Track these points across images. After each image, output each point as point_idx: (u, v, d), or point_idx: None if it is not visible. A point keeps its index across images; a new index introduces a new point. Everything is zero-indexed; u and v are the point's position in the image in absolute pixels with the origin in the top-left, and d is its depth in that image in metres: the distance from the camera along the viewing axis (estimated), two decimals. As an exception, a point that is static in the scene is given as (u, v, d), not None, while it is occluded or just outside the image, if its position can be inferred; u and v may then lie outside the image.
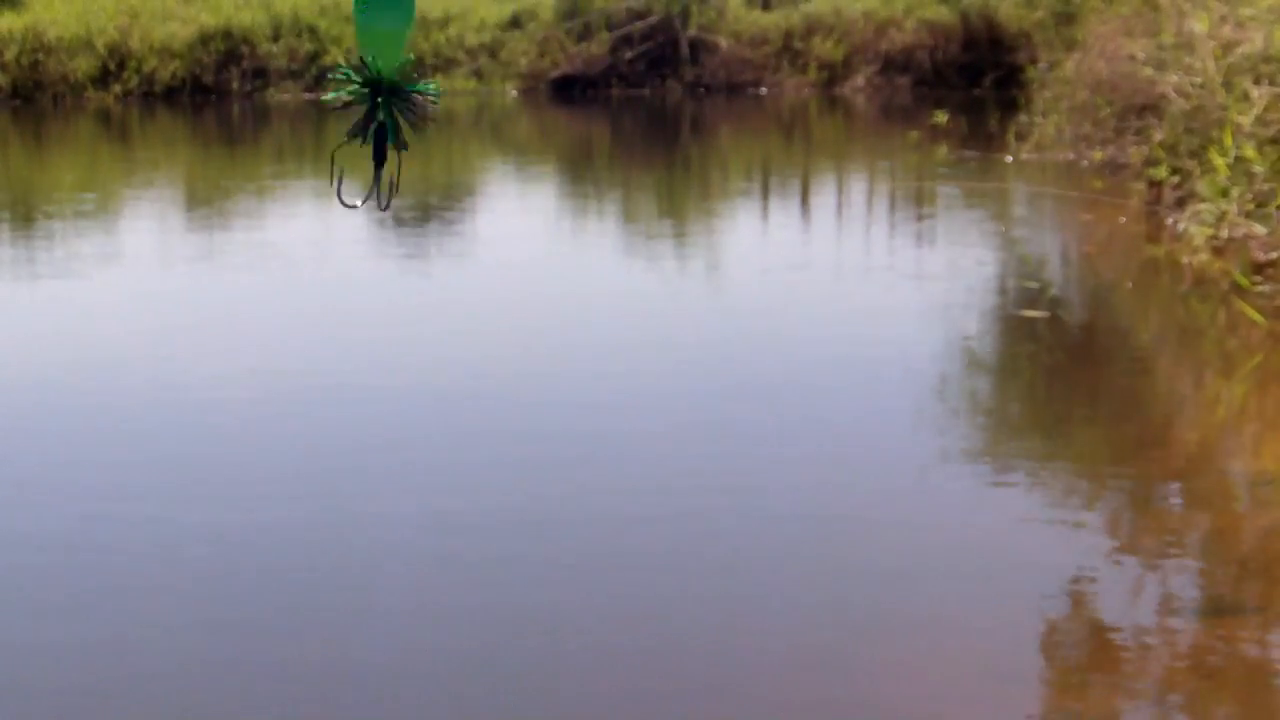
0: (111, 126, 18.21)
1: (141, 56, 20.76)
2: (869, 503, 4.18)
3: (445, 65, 21.11)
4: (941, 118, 13.58)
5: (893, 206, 10.30)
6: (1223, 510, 4.13)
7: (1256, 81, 7.58)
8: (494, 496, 4.25)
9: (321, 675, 3.20)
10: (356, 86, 1.40)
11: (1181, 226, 7.86)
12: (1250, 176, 7.29)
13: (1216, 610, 3.44)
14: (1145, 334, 6.36)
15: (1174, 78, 8.61)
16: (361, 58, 1.39)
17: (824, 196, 11.00)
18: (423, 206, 10.90)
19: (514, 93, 20.65)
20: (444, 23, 21.29)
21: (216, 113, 19.49)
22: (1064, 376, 5.67)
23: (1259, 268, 6.82)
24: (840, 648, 3.27)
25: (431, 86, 1.42)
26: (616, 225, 9.73)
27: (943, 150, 12.65)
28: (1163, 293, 7.01)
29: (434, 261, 8.27)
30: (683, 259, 8.15)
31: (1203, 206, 7.66)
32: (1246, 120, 7.39)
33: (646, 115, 18.53)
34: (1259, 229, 7.16)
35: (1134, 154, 9.92)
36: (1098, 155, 10.83)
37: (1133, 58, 9.96)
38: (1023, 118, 12.65)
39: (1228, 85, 7.82)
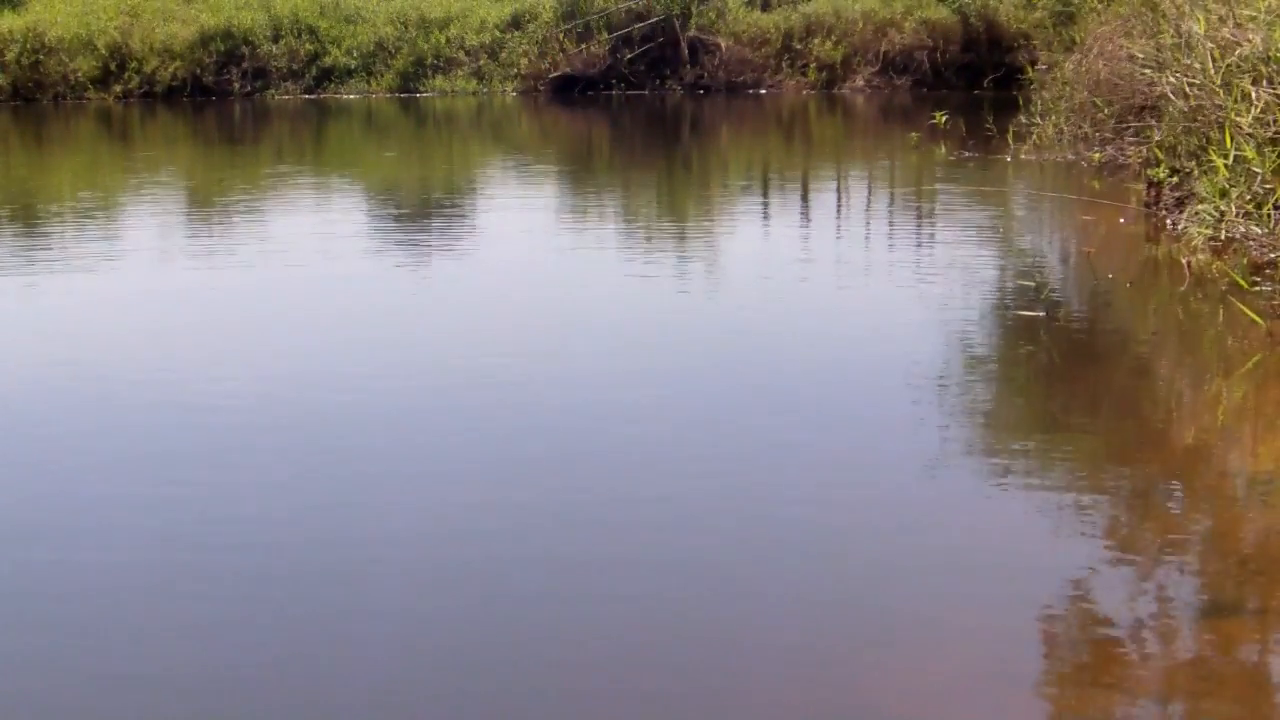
0: (112, 126, 18.20)
1: (142, 57, 20.76)
2: (868, 503, 4.18)
3: (445, 65, 21.11)
4: (941, 118, 13.58)
5: (892, 207, 10.30)
6: (1223, 510, 4.13)
7: (1255, 82, 7.58)
8: (494, 496, 4.25)
9: (321, 675, 3.21)
10: None
11: (1181, 227, 7.87)
12: (1249, 177, 7.30)
13: (1216, 610, 3.45)
14: (1144, 334, 6.37)
15: (1173, 78, 8.62)
16: None
17: (824, 197, 11.01)
18: (423, 206, 10.91)
19: (514, 93, 20.65)
20: (444, 23, 21.30)
21: (217, 113, 19.49)
22: (1063, 377, 5.67)
23: (1258, 268, 6.83)
24: (840, 648, 3.28)
25: None
26: (615, 226, 9.73)
27: (942, 151, 12.66)
28: (1162, 293, 7.02)
29: (434, 261, 8.27)
30: (681, 260, 8.16)
31: (1202, 207, 7.67)
32: (1245, 121, 7.39)
33: (646, 116, 18.53)
34: (1258, 229, 7.17)
35: (1133, 154, 9.93)
36: (1097, 156, 10.84)
37: (1132, 58, 9.97)
38: (1022, 118, 12.66)
39: (1227, 86, 7.82)
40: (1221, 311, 6.31)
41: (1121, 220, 8.66)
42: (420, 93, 20.86)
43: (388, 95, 20.75)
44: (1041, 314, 6.33)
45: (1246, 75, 7.68)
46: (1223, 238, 7.39)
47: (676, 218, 10.19)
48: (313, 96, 20.90)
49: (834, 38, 20.52)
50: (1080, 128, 11.36)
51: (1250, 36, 7.81)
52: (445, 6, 21.59)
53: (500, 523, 4.04)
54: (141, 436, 4.92)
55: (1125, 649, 3.26)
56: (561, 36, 20.67)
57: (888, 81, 20.37)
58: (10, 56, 20.53)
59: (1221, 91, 7.84)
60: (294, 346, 6.21)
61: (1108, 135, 10.89)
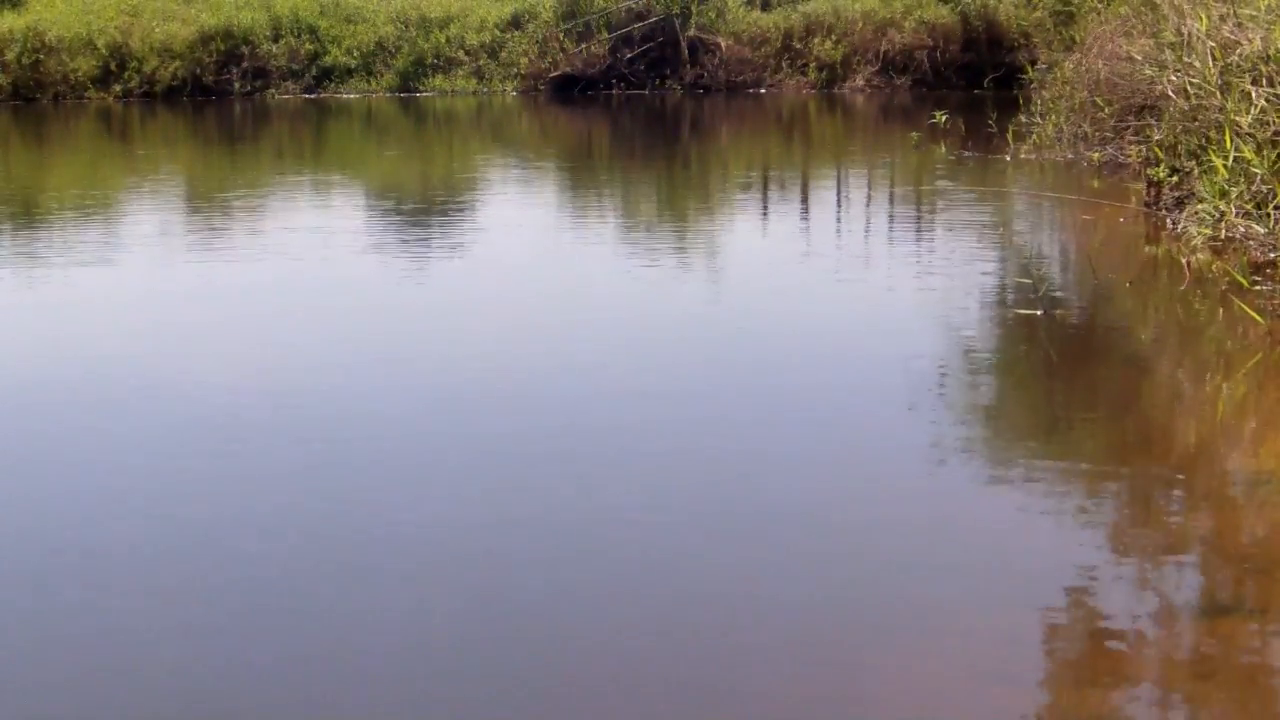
0: (112, 126, 18.21)
1: (142, 56, 20.76)
2: (867, 502, 4.18)
3: (445, 65, 21.11)
4: (941, 118, 13.58)
5: (892, 206, 10.31)
6: (1223, 510, 4.13)
7: (1255, 82, 7.58)
8: (493, 495, 4.25)
9: (320, 676, 3.21)
10: None
11: (1180, 226, 7.87)
12: (1249, 177, 7.30)
13: (1217, 610, 3.45)
14: (1144, 333, 6.37)
15: (1173, 78, 8.62)
16: None
17: (824, 196, 11.01)
18: (423, 205, 10.91)
19: (514, 93, 20.65)
20: (444, 23, 21.30)
21: (217, 112, 19.49)
22: (1063, 375, 5.67)
23: (1258, 267, 6.83)
24: (840, 647, 3.28)
25: None
26: (615, 224, 9.73)
27: (942, 150, 12.66)
28: (1162, 292, 7.02)
29: (435, 259, 8.27)
30: (681, 258, 8.16)
31: (1202, 207, 7.67)
32: (1245, 121, 7.39)
33: (646, 115, 18.53)
34: (1258, 229, 7.17)
35: (1133, 154, 9.93)
36: (1096, 155, 10.85)
37: (1132, 58, 9.97)
38: (1022, 118, 12.67)
39: (1226, 86, 7.82)
40: (1221, 311, 6.31)
41: (1121, 219, 8.66)
42: (420, 92, 20.86)
43: (388, 95, 20.75)
44: (1040, 313, 6.33)
45: (1246, 75, 7.68)
46: (1223, 237, 7.39)
47: (676, 216, 10.19)
48: (313, 96, 20.90)
49: (834, 37, 20.52)
50: (1080, 127, 11.37)
51: (1250, 36, 7.81)
52: (445, 6, 21.59)
53: (501, 522, 4.04)
54: (141, 435, 4.91)
55: (1125, 649, 3.25)
56: (561, 36, 20.67)
57: (888, 81, 20.37)
58: (10, 56, 20.53)
59: (1220, 91, 7.84)
60: (294, 345, 6.21)
61: (1107, 135, 10.89)
